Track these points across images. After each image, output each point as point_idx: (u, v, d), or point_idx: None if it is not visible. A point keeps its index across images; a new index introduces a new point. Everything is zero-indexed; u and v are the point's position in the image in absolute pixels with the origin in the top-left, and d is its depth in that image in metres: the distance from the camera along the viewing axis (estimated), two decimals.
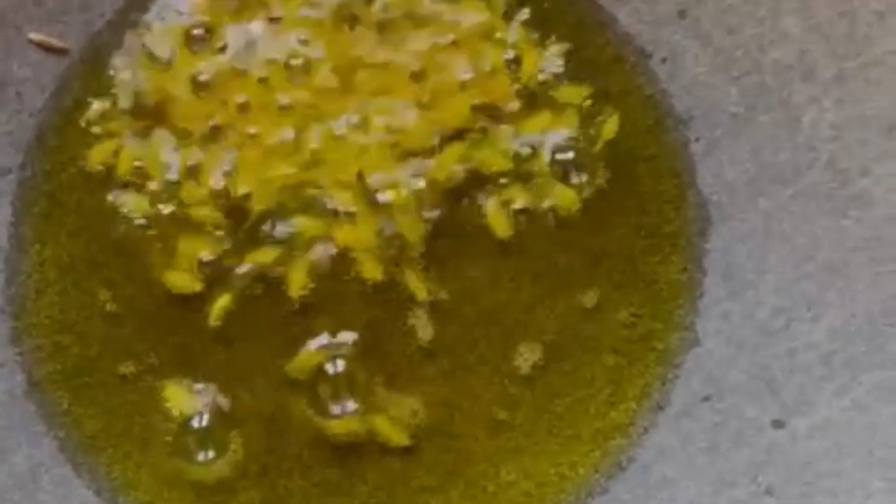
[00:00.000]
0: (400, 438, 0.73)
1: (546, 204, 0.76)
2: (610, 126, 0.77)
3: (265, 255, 0.75)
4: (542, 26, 0.79)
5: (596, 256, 0.76)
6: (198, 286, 0.74)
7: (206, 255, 0.75)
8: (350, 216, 0.75)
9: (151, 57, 0.78)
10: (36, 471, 0.73)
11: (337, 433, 0.73)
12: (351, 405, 0.73)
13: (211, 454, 0.73)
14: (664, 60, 0.79)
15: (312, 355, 0.74)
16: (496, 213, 0.75)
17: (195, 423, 0.73)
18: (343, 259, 0.75)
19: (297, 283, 0.74)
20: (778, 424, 0.73)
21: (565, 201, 0.76)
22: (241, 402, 0.74)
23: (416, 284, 0.74)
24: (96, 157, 0.76)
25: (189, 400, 0.73)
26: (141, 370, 0.74)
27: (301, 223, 0.75)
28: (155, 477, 0.73)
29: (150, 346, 0.74)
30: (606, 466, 0.74)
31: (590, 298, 0.75)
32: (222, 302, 0.74)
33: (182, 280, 0.74)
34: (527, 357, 0.75)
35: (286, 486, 0.73)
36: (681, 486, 0.72)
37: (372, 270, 0.74)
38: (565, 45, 0.78)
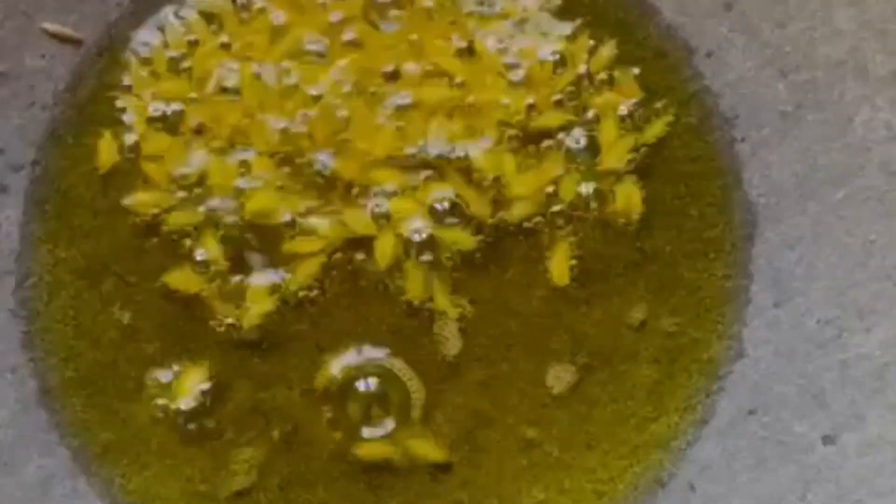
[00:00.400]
0: (439, 455, 0.70)
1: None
2: (655, 129, 0.73)
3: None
4: (581, 17, 0.75)
5: (636, 262, 0.72)
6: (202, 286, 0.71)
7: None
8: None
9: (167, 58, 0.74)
10: (48, 483, 0.69)
11: (367, 455, 0.70)
12: (388, 425, 0.70)
13: (231, 466, 0.70)
14: (709, 55, 0.75)
15: (342, 370, 0.71)
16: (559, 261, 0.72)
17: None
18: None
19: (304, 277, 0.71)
20: (828, 440, 0.69)
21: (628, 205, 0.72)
22: (265, 410, 0.70)
23: (444, 301, 0.71)
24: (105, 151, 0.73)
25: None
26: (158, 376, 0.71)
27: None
28: (172, 489, 0.70)
29: (168, 351, 0.71)
30: (646, 482, 0.70)
31: (636, 313, 0.72)
32: (257, 310, 0.71)
33: (188, 281, 0.71)
34: (560, 375, 0.71)
35: (308, 501, 0.70)
36: None
37: (416, 288, 0.71)
38: (613, 47, 0.74)
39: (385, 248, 0.71)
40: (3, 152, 0.73)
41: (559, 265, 0.72)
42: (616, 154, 0.73)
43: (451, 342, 0.71)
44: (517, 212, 0.72)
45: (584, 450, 0.71)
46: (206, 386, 0.70)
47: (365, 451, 0.70)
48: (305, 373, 0.70)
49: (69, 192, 0.73)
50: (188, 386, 0.70)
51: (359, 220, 0.71)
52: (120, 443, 0.70)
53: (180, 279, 0.71)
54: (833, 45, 0.73)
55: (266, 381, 0.71)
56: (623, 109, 0.74)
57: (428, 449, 0.70)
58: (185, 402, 0.70)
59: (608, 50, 0.74)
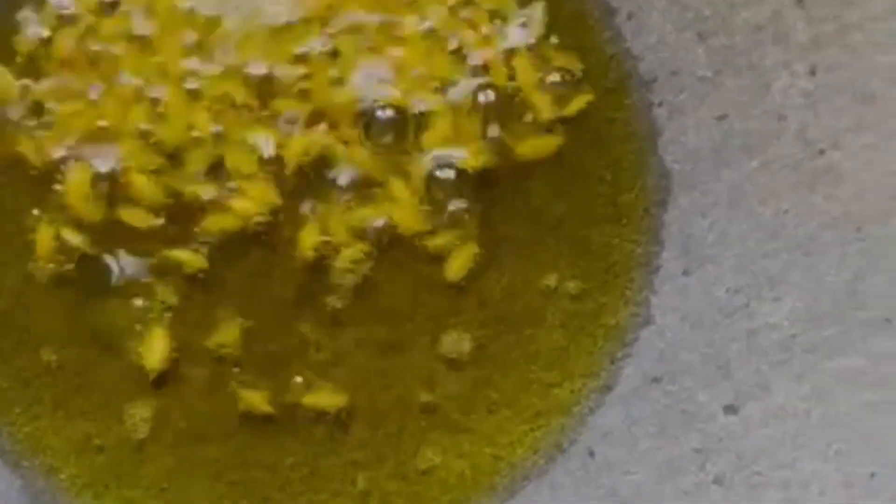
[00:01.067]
0: (335, 401, 0.68)
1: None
2: (575, 105, 0.72)
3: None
4: None
5: (548, 225, 0.71)
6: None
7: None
8: None
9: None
10: None
11: (259, 409, 0.68)
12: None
13: (127, 418, 0.69)
14: (630, 17, 0.73)
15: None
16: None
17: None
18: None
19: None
20: (730, 410, 0.68)
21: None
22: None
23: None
24: None
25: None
26: (53, 327, 0.69)
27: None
28: (63, 441, 0.69)
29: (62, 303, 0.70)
30: (546, 447, 0.69)
31: (545, 278, 0.70)
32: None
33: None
34: (459, 349, 0.70)
35: (204, 457, 0.69)
36: (624, 471, 0.68)
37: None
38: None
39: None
40: None
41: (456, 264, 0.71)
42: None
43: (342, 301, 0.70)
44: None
45: (485, 414, 0.69)
46: None
47: (256, 404, 0.68)
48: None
49: None
50: None
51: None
52: (12, 391, 0.69)
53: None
54: (753, 10, 0.72)
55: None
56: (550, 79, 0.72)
57: (326, 398, 0.68)
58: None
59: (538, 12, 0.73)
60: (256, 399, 0.68)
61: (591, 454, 0.68)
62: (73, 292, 0.69)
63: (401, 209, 0.70)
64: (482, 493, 0.69)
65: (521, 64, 0.72)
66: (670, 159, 0.72)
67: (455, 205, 0.70)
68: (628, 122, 0.72)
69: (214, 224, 0.69)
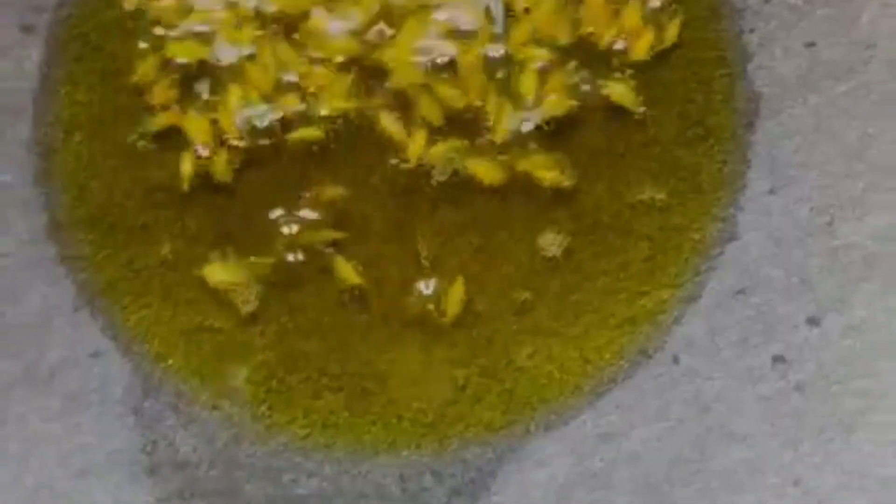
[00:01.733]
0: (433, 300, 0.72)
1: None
2: (671, 32, 0.75)
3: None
4: None
5: (640, 143, 0.74)
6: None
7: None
8: None
9: None
10: (50, 313, 0.71)
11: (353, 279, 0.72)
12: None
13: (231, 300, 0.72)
14: None
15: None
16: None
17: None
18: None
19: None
20: (812, 322, 0.71)
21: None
22: (263, 270, 0.72)
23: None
24: None
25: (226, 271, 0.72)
26: (163, 222, 0.73)
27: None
28: (172, 329, 0.72)
29: (173, 199, 0.73)
30: (632, 353, 0.72)
31: (634, 192, 0.73)
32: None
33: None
34: (556, 244, 0.73)
35: (304, 351, 0.72)
36: (706, 378, 0.71)
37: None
38: None
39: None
40: None
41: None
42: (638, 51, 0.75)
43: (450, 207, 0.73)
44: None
45: (573, 319, 0.72)
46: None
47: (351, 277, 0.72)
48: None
49: (90, 36, 0.75)
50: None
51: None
52: (124, 281, 0.72)
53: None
54: None
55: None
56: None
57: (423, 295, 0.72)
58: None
59: None
60: (350, 272, 0.72)
61: (676, 361, 0.71)
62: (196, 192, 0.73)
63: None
64: (569, 394, 0.71)
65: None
66: (759, 84, 0.74)
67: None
68: (719, 47, 0.75)
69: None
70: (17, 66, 0.74)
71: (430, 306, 0.72)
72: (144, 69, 0.73)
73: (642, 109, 0.74)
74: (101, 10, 0.75)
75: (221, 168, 0.72)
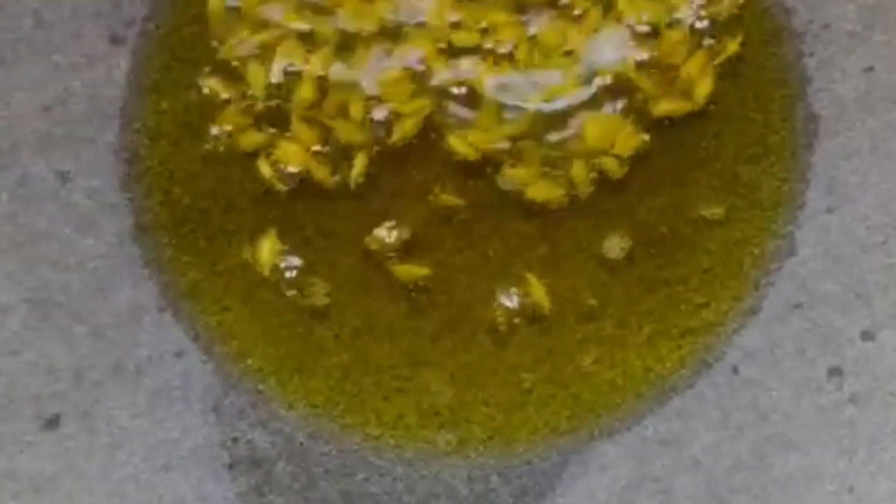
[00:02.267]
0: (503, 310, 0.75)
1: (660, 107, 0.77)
2: (732, 46, 0.78)
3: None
4: None
5: (701, 160, 0.77)
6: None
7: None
8: None
9: None
10: (137, 312, 0.74)
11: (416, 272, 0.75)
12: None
13: (309, 311, 0.75)
14: None
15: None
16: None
17: (289, 277, 0.75)
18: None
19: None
20: (867, 336, 0.74)
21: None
22: (338, 274, 0.75)
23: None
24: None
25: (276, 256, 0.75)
26: (244, 226, 0.76)
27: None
28: (251, 331, 0.75)
29: (254, 203, 0.76)
30: (693, 363, 0.75)
31: (695, 207, 0.76)
32: (360, 162, 0.76)
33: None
34: (620, 247, 0.76)
35: (377, 354, 0.75)
36: (765, 388, 0.73)
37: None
38: None
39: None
40: (120, 7, 0.78)
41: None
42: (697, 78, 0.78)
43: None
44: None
45: (636, 329, 0.75)
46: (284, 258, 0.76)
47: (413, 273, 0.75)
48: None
49: (176, 47, 0.78)
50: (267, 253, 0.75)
51: None
52: (206, 283, 0.75)
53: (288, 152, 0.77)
54: None
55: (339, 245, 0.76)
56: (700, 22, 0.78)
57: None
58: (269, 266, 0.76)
59: None
60: (412, 271, 0.75)
61: (735, 371, 0.74)
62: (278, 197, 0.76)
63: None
64: (632, 401, 0.74)
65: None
66: (818, 106, 0.77)
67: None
68: (780, 70, 0.78)
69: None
70: (107, 75, 0.77)
71: (499, 313, 0.75)
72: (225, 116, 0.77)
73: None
74: (187, 25, 0.78)
75: (323, 174, 0.76)
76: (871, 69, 0.77)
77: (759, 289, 0.76)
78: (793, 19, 0.79)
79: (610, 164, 0.76)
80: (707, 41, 0.78)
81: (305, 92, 0.76)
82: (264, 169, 0.76)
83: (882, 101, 0.77)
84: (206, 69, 0.77)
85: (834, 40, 0.78)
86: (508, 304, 0.75)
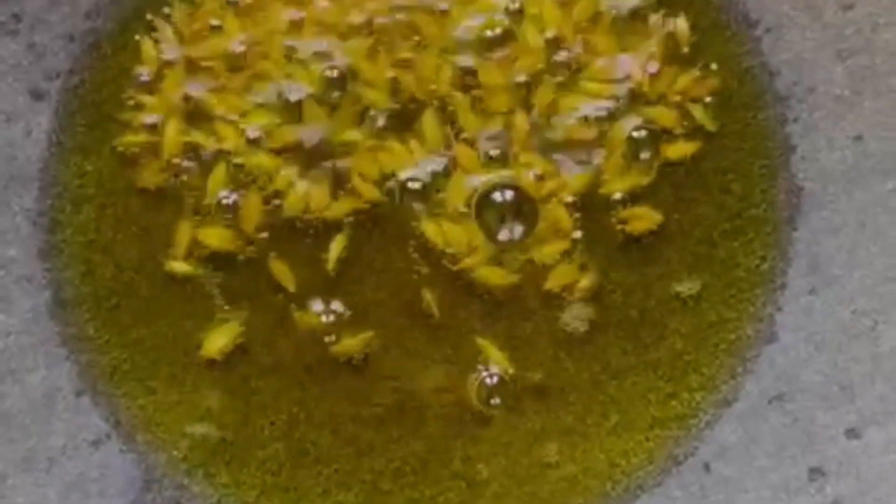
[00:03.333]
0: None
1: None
2: (701, 116, 0.71)
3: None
4: None
5: (671, 233, 0.70)
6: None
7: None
8: None
9: None
10: (52, 395, 0.68)
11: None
12: None
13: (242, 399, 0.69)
14: (769, 30, 0.73)
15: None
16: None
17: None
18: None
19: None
20: (852, 434, 0.67)
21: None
22: (273, 355, 0.69)
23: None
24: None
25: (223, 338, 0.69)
26: (174, 301, 0.69)
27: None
28: (176, 419, 0.68)
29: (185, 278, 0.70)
30: (662, 459, 0.68)
31: (667, 286, 0.70)
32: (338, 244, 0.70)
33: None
34: (581, 319, 0.69)
35: (315, 441, 0.68)
36: (739, 489, 0.67)
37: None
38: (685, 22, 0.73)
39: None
40: (43, 57, 0.71)
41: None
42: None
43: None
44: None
45: (600, 419, 0.69)
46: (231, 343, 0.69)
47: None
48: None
49: (102, 105, 0.71)
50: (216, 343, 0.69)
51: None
52: (129, 364, 0.69)
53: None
54: None
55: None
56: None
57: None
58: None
59: (681, 24, 0.73)
60: (354, 344, 0.68)
61: (707, 469, 0.68)
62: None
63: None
64: (595, 499, 0.68)
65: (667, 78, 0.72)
66: (802, 176, 0.71)
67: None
68: (761, 136, 0.72)
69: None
70: (26, 133, 0.70)
71: (449, 398, 0.69)
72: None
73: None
74: (114, 79, 0.72)
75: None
76: (859, 138, 0.71)
77: (736, 377, 0.69)
78: (776, 81, 0.72)
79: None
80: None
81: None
82: (178, 266, 0.69)
83: (871, 172, 0.70)
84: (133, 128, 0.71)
85: (820, 105, 0.72)
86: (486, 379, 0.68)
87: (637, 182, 0.70)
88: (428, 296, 0.69)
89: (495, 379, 0.68)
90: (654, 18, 0.73)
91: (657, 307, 0.70)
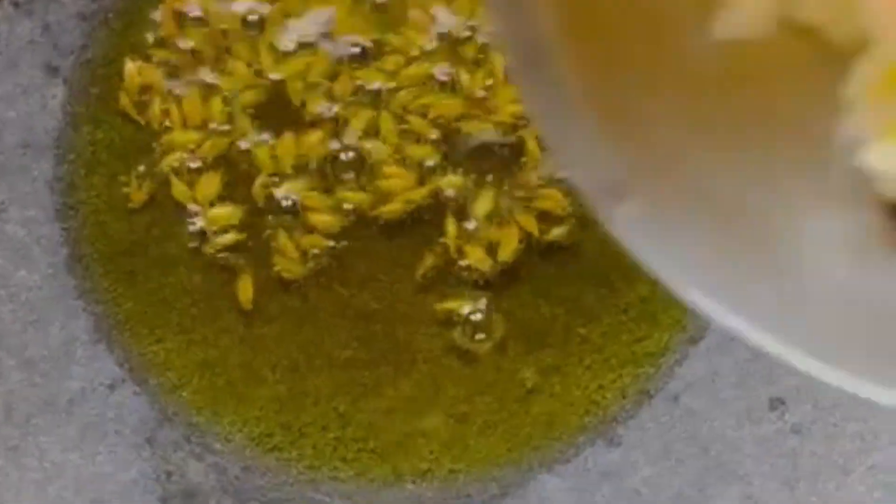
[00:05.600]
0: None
1: None
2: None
3: None
4: None
5: None
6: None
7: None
8: None
9: None
10: (71, 344, 0.73)
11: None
12: None
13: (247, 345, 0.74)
14: None
15: None
16: None
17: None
18: None
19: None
20: None
21: None
22: (276, 305, 0.75)
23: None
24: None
25: None
26: (182, 256, 0.75)
27: None
28: (186, 362, 0.74)
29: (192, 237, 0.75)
30: (634, 394, 0.74)
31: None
32: None
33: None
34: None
35: (314, 383, 0.74)
36: (706, 419, 0.73)
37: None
38: None
39: None
40: (57, 35, 0.77)
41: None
42: None
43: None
44: None
45: (577, 358, 0.74)
46: None
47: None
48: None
49: (112, 78, 0.77)
50: None
51: None
52: (141, 314, 0.75)
53: None
54: None
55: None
56: None
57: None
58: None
59: None
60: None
61: (677, 401, 0.73)
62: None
63: None
64: (573, 432, 0.74)
65: None
66: None
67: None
68: None
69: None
70: (42, 105, 0.76)
71: (438, 343, 0.74)
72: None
73: None
74: (123, 53, 0.77)
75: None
76: None
77: (701, 318, 0.75)
78: None
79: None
80: None
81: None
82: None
83: None
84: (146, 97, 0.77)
85: None
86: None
87: None
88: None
89: (479, 316, 0.74)
90: None
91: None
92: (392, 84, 0.75)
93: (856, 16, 0.48)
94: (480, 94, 0.75)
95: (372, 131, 0.75)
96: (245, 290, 0.74)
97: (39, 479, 0.71)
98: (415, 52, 0.75)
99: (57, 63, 0.77)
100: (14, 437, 0.72)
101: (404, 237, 0.74)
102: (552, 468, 0.73)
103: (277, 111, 0.75)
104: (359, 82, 0.75)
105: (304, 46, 0.76)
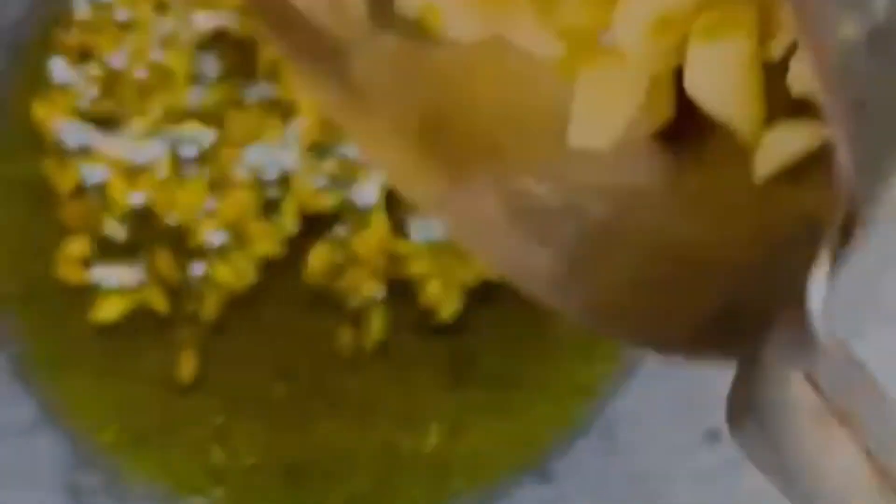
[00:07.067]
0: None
1: None
2: None
3: None
4: None
5: None
6: None
7: None
8: None
9: None
10: None
11: None
12: None
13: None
14: None
15: None
16: None
17: None
18: None
19: None
20: None
21: None
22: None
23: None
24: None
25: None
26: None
27: None
28: (106, 403, 0.72)
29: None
30: (567, 427, 0.73)
31: None
32: None
33: None
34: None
35: (242, 428, 0.72)
36: (641, 453, 0.72)
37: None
38: None
39: None
40: None
41: None
42: None
43: None
44: None
45: (513, 392, 0.73)
46: None
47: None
48: None
49: (24, 117, 0.74)
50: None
51: None
52: (57, 351, 0.72)
53: None
54: None
55: None
56: None
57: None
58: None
59: None
60: None
61: (612, 435, 0.72)
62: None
63: None
64: (504, 469, 0.72)
65: None
66: None
67: None
68: None
69: None
70: None
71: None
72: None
73: None
74: (34, 93, 0.75)
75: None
76: None
77: (635, 350, 0.74)
78: None
79: None
80: None
81: None
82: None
83: None
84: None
85: None
86: None
87: None
88: None
89: None
90: None
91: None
92: None
93: None
94: None
95: None
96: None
97: None
98: None
99: None
100: None
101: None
102: None
103: None
104: None
105: None
